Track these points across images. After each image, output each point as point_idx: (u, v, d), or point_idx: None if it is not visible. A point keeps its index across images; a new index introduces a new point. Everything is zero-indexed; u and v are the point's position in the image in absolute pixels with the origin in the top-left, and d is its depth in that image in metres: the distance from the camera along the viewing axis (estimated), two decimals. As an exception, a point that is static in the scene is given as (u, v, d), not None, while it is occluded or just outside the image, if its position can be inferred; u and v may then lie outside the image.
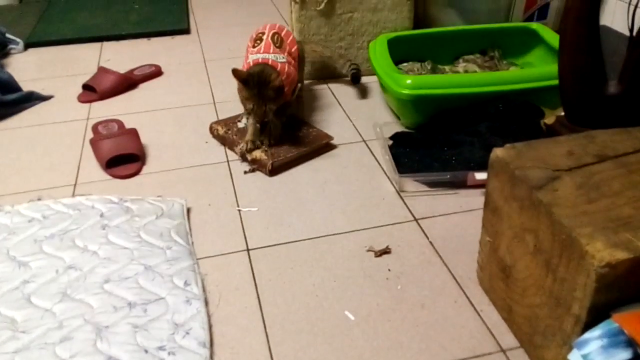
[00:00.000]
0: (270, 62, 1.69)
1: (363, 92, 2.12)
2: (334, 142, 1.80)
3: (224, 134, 1.82)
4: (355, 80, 2.11)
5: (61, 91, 2.21)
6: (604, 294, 0.87)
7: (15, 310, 1.19)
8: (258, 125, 1.72)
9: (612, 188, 0.99)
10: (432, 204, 1.54)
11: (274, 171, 1.68)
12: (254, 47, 1.77)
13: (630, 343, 0.84)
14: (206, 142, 1.85)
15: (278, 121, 1.72)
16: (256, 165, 1.70)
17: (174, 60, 2.47)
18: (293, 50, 1.85)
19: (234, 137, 1.79)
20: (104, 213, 1.46)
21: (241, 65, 1.76)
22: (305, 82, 2.13)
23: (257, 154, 1.70)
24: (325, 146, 1.78)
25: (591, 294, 0.87)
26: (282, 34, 1.83)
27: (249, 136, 1.72)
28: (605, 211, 0.94)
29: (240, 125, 1.83)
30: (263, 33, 1.80)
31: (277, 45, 1.77)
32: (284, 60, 1.74)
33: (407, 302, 1.24)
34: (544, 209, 0.96)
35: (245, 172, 1.70)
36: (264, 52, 1.72)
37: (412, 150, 1.70)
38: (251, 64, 1.70)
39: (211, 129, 1.88)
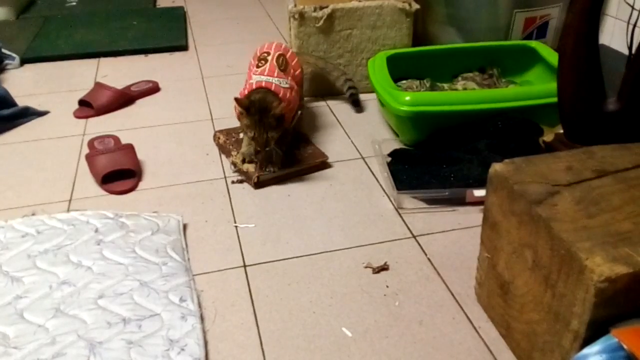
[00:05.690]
0: (273, 86, 1.68)
1: (361, 110, 2.12)
2: (332, 159, 1.79)
3: (224, 142, 1.84)
4: (355, 104, 2.12)
5: (57, 107, 2.21)
6: (603, 309, 0.86)
7: (8, 325, 1.18)
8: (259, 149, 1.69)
9: (611, 203, 0.98)
10: (431, 221, 1.53)
11: (259, 184, 1.67)
12: (257, 67, 1.76)
13: (629, 358, 0.83)
14: (207, 154, 1.86)
15: (279, 149, 1.69)
16: (244, 177, 1.71)
17: (171, 76, 2.47)
18: (297, 73, 1.84)
19: (230, 147, 1.80)
20: (98, 228, 1.45)
21: (243, 85, 1.76)
22: (304, 99, 2.13)
23: (248, 166, 1.70)
24: (318, 165, 1.77)
25: (590, 309, 0.86)
26: (287, 55, 1.82)
27: (243, 148, 1.72)
28: (604, 226, 0.93)
29: (241, 136, 1.83)
30: (268, 53, 1.79)
31: (282, 68, 1.76)
32: (287, 85, 1.72)
33: (404, 318, 1.23)
34: (543, 223, 0.96)
35: (233, 182, 1.71)
36: (267, 75, 1.71)
37: (410, 167, 1.69)
38: (254, 85, 1.69)
39: (214, 137, 1.90)
